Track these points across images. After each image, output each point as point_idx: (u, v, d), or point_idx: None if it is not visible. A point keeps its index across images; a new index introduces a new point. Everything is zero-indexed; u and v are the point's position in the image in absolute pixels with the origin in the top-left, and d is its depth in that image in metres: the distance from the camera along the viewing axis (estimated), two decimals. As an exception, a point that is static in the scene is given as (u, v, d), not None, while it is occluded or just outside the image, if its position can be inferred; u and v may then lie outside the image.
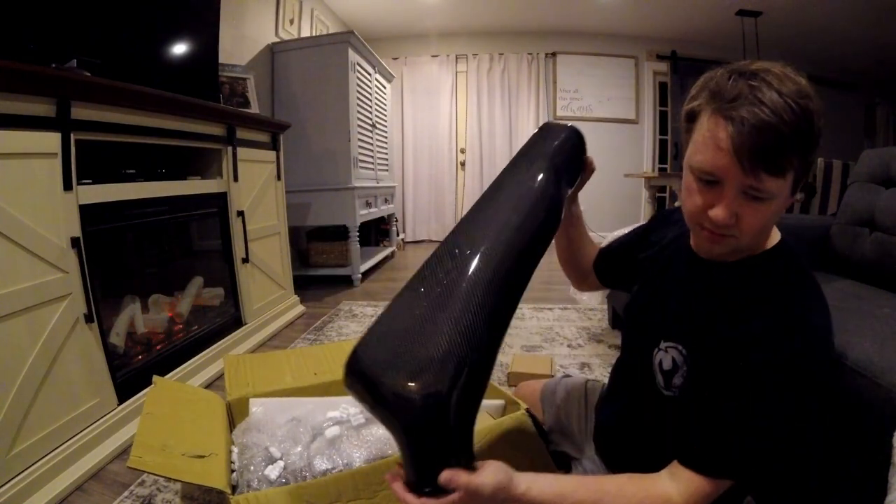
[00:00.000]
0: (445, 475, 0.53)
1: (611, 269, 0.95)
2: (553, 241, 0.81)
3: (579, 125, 0.86)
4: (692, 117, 0.60)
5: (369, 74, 3.47)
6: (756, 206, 0.56)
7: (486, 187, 0.78)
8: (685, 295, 0.69)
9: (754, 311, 0.59)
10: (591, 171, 0.88)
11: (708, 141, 0.56)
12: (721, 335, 0.60)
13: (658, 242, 0.83)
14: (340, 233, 3.22)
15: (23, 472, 1.04)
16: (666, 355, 0.67)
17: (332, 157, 3.07)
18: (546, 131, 0.86)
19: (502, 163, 4.93)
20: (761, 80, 0.53)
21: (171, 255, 1.93)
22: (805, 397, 0.55)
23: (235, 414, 1.12)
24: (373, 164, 3.56)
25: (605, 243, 0.99)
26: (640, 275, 0.83)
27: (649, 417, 0.72)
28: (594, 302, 2.32)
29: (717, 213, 0.57)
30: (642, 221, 1.26)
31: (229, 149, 1.95)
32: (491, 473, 0.56)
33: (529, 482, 0.58)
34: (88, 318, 1.22)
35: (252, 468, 0.90)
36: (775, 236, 0.66)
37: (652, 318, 0.74)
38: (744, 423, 0.55)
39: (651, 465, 0.61)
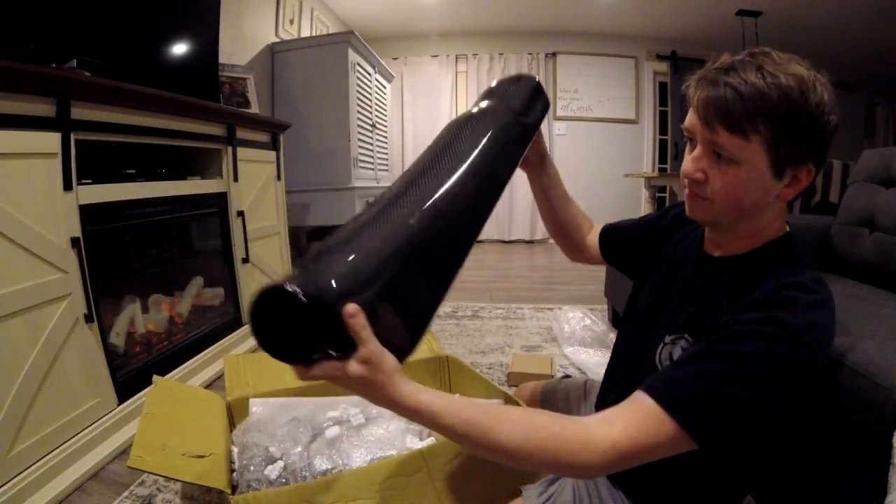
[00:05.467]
0: (354, 314, 0.48)
1: (617, 247, 0.92)
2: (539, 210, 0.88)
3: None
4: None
5: (369, 74, 3.47)
6: (722, 169, 0.58)
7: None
8: (690, 289, 0.69)
9: (743, 297, 0.58)
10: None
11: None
12: (715, 320, 0.59)
13: (670, 239, 0.81)
14: (340, 233, 3.23)
15: (23, 471, 1.04)
16: (675, 348, 0.66)
17: (331, 157, 3.07)
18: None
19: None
20: (757, 59, 0.55)
21: (170, 255, 1.93)
22: (768, 384, 0.51)
23: (235, 414, 1.12)
24: (373, 164, 3.56)
25: (606, 223, 0.96)
26: (652, 272, 0.81)
27: None
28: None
29: (684, 165, 0.61)
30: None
31: (229, 149, 1.95)
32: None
33: (417, 389, 0.55)
34: (88, 318, 1.22)
35: (252, 468, 0.90)
36: (781, 231, 0.64)
37: (656, 317, 0.73)
38: (701, 372, 0.53)
39: (652, 464, 0.60)
